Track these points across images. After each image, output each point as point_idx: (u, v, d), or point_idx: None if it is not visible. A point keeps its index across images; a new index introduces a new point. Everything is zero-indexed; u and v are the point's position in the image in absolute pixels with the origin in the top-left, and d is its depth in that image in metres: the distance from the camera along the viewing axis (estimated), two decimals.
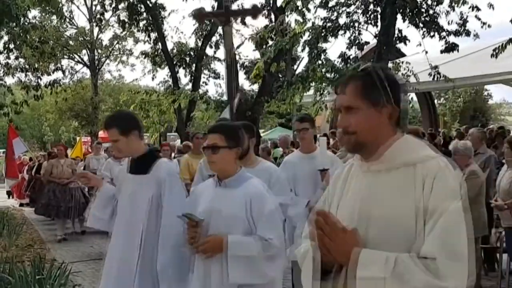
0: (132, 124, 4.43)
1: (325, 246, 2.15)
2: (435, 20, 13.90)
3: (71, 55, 34.36)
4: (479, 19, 13.64)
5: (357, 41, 14.13)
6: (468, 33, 14.07)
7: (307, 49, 14.10)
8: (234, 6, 20.66)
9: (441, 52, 14.22)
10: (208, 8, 22.48)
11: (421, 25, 13.87)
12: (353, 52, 14.27)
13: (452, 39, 14.10)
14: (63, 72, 31.13)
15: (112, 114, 5.49)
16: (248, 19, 19.48)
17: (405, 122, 2.34)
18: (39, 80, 21.94)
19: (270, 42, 14.30)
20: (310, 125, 6.15)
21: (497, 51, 12.04)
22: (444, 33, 13.96)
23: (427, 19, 13.88)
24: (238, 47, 16.77)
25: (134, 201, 4.32)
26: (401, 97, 2.28)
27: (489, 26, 13.61)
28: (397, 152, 2.24)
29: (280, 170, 5.52)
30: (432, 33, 13.93)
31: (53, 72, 27.65)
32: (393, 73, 2.39)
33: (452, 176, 2.29)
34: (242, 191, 3.75)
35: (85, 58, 35.66)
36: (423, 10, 13.89)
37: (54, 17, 31.41)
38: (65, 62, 33.38)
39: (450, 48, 14.08)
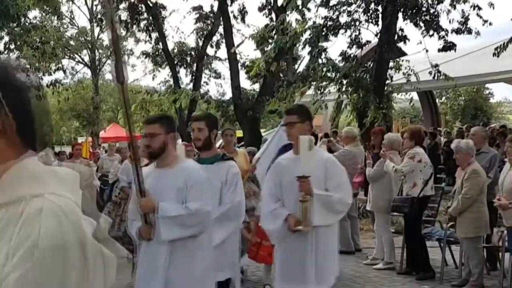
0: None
1: None
2: (434, 19, 13.87)
3: (72, 55, 34.33)
4: (480, 17, 13.62)
5: (358, 40, 14.10)
6: (470, 31, 14.04)
7: (307, 48, 14.09)
8: (235, 6, 20.72)
9: (439, 50, 14.22)
10: (207, 8, 22.56)
11: (421, 24, 13.84)
12: (354, 51, 14.24)
13: (453, 37, 14.11)
14: (64, 72, 31.15)
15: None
16: (249, 19, 19.44)
17: (31, 131, 1.64)
18: (40, 80, 21.94)
19: (271, 42, 14.24)
20: (300, 118, 5.02)
21: (498, 49, 12.02)
22: (443, 32, 13.94)
23: (427, 18, 13.85)
24: (238, 46, 16.72)
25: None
26: (20, 101, 1.66)
27: (490, 24, 13.59)
28: (7, 183, 1.52)
29: (268, 174, 5.44)
30: (431, 32, 13.91)
31: (54, 72, 27.70)
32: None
33: (40, 225, 1.42)
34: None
35: (86, 58, 35.63)
36: (424, 9, 13.85)
37: (55, 17, 31.45)
38: (66, 62, 33.38)
39: (448, 47, 14.07)
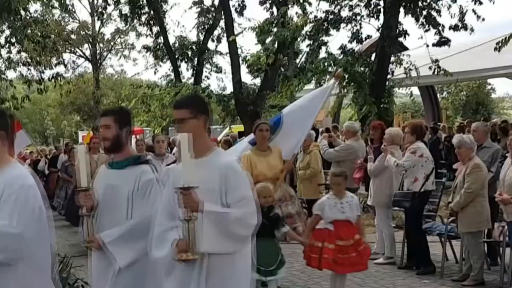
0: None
1: None
2: (431, 14, 13.88)
3: (73, 49, 34.31)
4: (475, 13, 13.65)
5: (359, 34, 14.09)
6: (466, 28, 14.06)
7: (307, 41, 14.08)
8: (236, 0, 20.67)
9: (433, 45, 14.23)
10: (208, 2, 22.53)
11: (421, 18, 13.85)
12: (354, 46, 14.23)
13: (450, 33, 14.13)
14: (65, 65, 31.14)
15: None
16: (250, 13, 19.42)
17: None
18: (42, 74, 21.89)
19: (271, 34, 14.22)
20: (193, 112, 3.84)
21: (500, 44, 12.02)
22: (439, 28, 13.95)
23: (424, 13, 13.86)
24: (237, 34, 16.66)
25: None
26: None
27: (483, 19, 13.64)
28: None
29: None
30: (427, 27, 13.93)
31: (55, 66, 27.65)
32: None
33: None
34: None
35: (87, 52, 35.60)
36: (425, 3, 13.84)
37: (56, 11, 31.40)
38: (66, 56, 33.37)
39: (443, 42, 14.07)
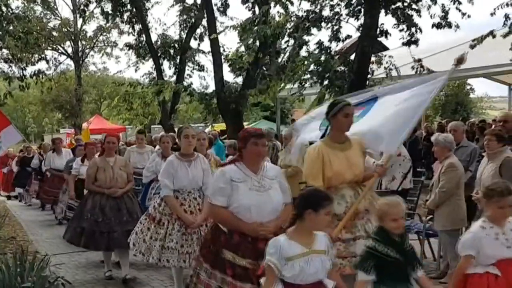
0: None
1: None
2: (409, 14, 14.01)
3: (55, 46, 34.06)
4: (459, 10, 13.77)
5: (338, 33, 14.19)
6: (450, 25, 14.17)
7: (286, 38, 14.12)
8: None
9: (403, 44, 14.37)
10: (191, 0, 22.52)
11: (401, 18, 13.97)
12: (334, 45, 14.33)
13: (433, 31, 14.25)
14: (47, 62, 30.94)
15: None
16: (231, 11, 19.51)
17: None
18: (23, 71, 21.74)
19: (253, 31, 14.25)
20: None
21: (475, 42, 12.13)
22: (414, 28, 14.08)
23: (407, 12, 13.97)
24: (219, 33, 16.70)
25: None
26: None
27: (468, 16, 13.73)
28: None
29: None
30: (402, 27, 14.07)
31: (37, 62, 27.49)
32: None
33: None
34: None
35: (69, 49, 35.37)
36: (405, 4, 13.96)
37: (38, 7, 31.20)
38: (49, 53, 33.14)
39: (412, 42, 14.21)
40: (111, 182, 8.14)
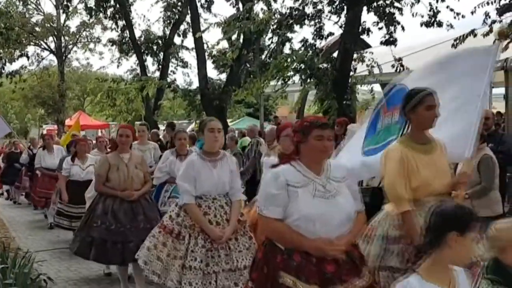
0: None
1: None
2: (392, 12, 14.11)
3: (37, 41, 33.85)
4: (451, 10, 13.87)
5: (321, 31, 14.27)
6: (440, 24, 14.26)
7: (269, 35, 14.17)
8: None
9: (381, 43, 14.48)
10: None
11: (383, 16, 14.08)
12: (317, 43, 14.40)
13: (423, 30, 14.35)
14: (28, 57, 30.76)
15: None
16: (215, 8, 19.54)
17: None
18: (2, 69, 21.62)
19: (237, 27, 14.28)
20: None
21: (457, 41, 12.23)
22: (393, 27, 14.19)
23: (390, 10, 14.08)
24: (203, 31, 16.73)
25: None
26: None
27: (463, 16, 13.81)
28: None
29: None
30: (381, 26, 14.19)
31: (17, 59, 27.32)
32: None
33: None
34: None
35: (52, 45, 35.15)
36: (387, 2, 14.06)
37: (20, 3, 30.98)
38: (31, 49, 32.96)
39: (390, 41, 14.33)
40: (125, 183, 6.84)
